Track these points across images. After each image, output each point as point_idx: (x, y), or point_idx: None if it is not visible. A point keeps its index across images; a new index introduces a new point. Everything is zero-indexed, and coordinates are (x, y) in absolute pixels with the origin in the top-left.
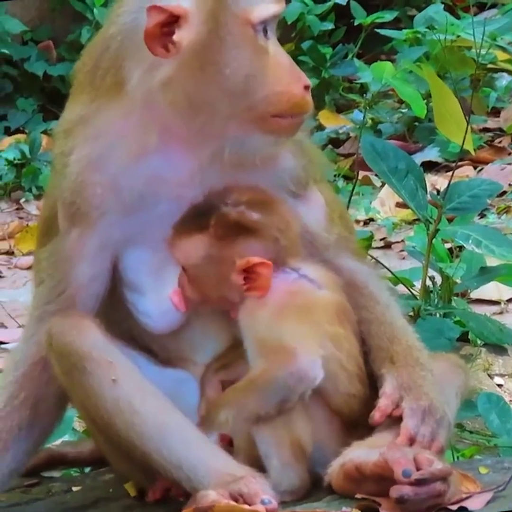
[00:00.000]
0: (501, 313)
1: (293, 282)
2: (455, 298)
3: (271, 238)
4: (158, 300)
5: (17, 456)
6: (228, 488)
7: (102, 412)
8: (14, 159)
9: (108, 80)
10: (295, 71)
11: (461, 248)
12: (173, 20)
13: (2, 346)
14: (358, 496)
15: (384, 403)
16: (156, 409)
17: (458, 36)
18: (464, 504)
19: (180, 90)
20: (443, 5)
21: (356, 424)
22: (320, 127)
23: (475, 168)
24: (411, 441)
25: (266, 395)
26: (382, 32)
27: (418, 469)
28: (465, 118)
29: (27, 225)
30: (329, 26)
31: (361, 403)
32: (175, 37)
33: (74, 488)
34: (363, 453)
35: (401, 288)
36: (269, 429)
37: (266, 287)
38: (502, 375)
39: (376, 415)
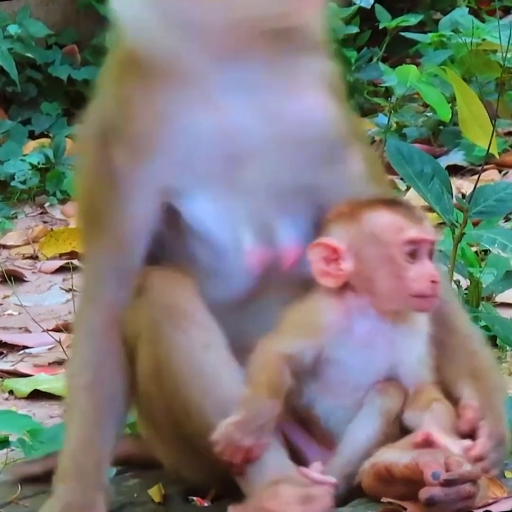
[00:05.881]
0: None
1: None
2: (482, 302)
3: None
4: (233, 257)
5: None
6: (299, 491)
7: (181, 372)
8: (38, 163)
9: None
10: None
11: (486, 252)
12: None
13: (27, 350)
14: (384, 500)
15: (472, 416)
16: (237, 387)
17: (484, 39)
18: (490, 508)
19: None
20: (468, 9)
21: None
22: None
23: (500, 171)
24: (477, 459)
25: None
26: (407, 35)
27: (448, 471)
28: (491, 122)
29: (52, 229)
30: (354, 29)
31: None
32: None
33: None
34: (395, 455)
35: None
36: None
37: None
38: None
39: (465, 425)
